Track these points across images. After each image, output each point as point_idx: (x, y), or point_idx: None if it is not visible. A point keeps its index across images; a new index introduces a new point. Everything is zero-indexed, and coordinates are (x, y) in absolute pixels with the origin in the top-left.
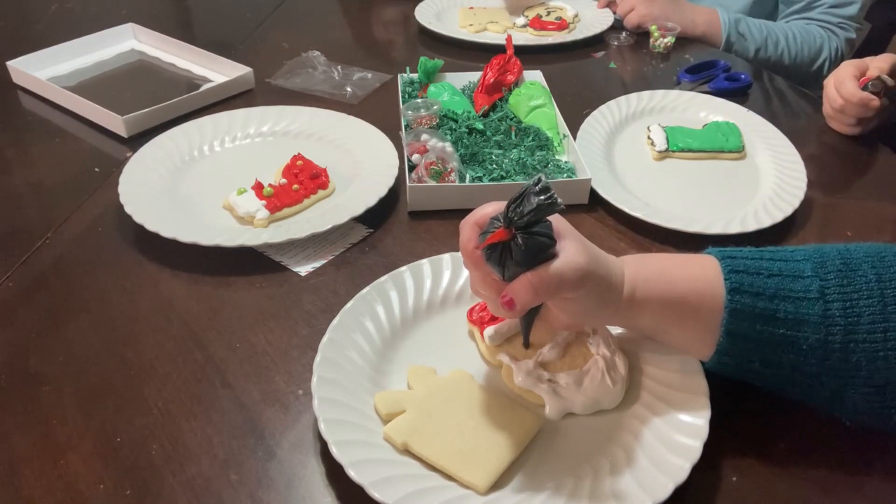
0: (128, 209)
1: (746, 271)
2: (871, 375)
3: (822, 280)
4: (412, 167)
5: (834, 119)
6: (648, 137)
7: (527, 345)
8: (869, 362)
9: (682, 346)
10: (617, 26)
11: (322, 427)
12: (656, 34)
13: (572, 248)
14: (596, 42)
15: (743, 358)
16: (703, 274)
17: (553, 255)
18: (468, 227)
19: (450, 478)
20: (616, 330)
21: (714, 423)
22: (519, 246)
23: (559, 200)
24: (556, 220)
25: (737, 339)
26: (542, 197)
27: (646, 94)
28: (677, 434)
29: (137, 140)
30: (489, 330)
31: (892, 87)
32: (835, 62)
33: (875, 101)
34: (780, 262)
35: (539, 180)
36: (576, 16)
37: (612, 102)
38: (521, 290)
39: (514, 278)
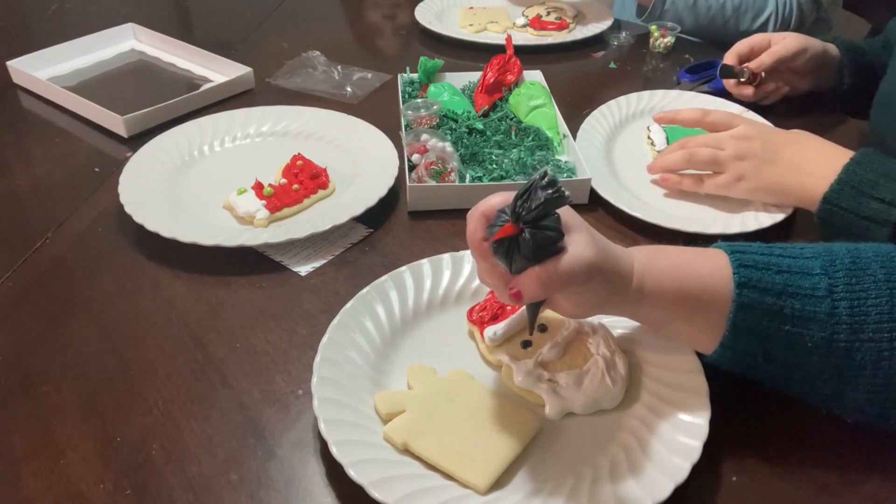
0: (128, 209)
1: (755, 266)
2: (875, 375)
3: (831, 278)
4: (412, 167)
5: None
6: (648, 137)
7: (532, 333)
8: (874, 362)
9: (687, 340)
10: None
11: (322, 427)
12: (656, 34)
13: (581, 241)
14: (596, 42)
15: (746, 352)
16: (712, 270)
17: (561, 249)
18: (475, 219)
19: (450, 478)
20: (616, 330)
21: (714, 423)
22: (526, 241)
23: (566, 193)
24: (565, 211)
25: (742, 333)
26: (550, 191)
27: (646, 94)
28: (677, 434)
29: (137, 140)
30: (489, 330)
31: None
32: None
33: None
34: (790, 259)
35: (545, 174)
36: (576, 16)
37: (612, 102)
38: (528, 284)
39: (521, 271)
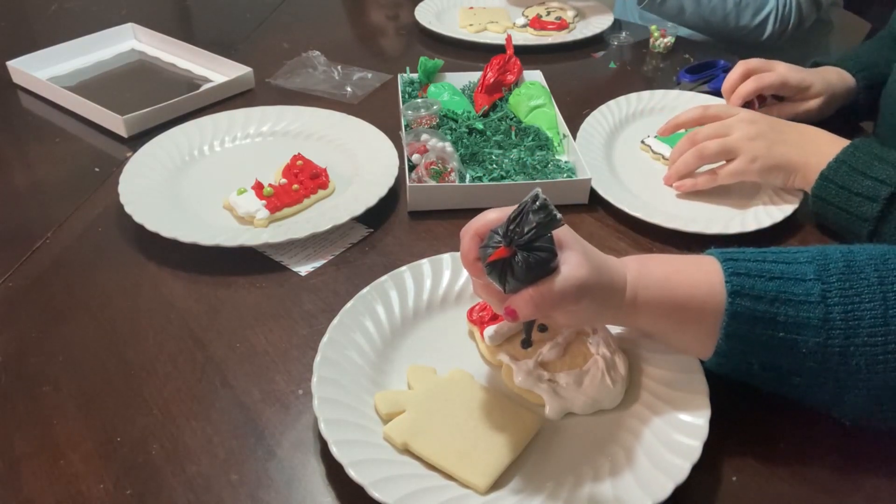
0: (128, 209)
1: (748, 274)
2: (871, 378)
3: (825, 283)
4: (412, 167)
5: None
6: (649, 147)
7: (528, 344)
8: (869, 366)
9: (683, 347)
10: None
11: (322, 427)
12: (656, 34)
13: (573, 259)
14: (596, 42)
15: (742, 360)
16: (705, 279)
17: (555, 268)
18: (468, 238)
19: (450, 477)
20: (616, 330)
21: (714, 423)
22: (519, 264)
23: (558, 216)
24: (559, 227)
25: (736, 341)
26: (542, 214)
27: (646, 94)
28: (677, 434)
29: (137, 140)
30: (489, 330)
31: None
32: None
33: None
34: (783, 265)
35: (536, 197)
36: (576, 15)
37: (612, 102)
38: (522, 305)
39: (515, 292)
